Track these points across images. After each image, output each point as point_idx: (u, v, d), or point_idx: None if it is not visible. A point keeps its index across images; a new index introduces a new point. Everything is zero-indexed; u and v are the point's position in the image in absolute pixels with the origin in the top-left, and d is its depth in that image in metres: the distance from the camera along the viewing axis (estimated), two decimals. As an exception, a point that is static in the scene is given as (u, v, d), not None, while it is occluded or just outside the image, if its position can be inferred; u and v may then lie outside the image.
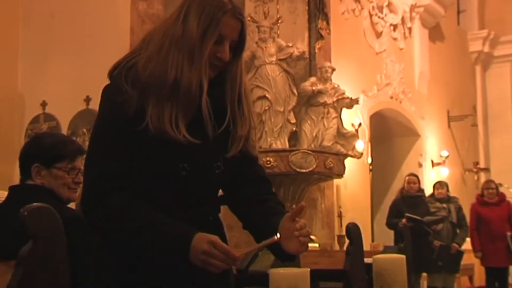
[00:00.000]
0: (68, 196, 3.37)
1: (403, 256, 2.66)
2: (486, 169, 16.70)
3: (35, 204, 2.87)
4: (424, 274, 10.56)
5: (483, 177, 14.95)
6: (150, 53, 2.27)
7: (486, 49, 17.86)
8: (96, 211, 2.25)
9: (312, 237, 7.76)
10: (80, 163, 3.39)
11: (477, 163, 16.73)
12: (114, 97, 2.27)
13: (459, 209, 10.84)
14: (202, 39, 2.24)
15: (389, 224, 10.45)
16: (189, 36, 2.24)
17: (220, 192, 2.55)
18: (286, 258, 2.35)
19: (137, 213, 2.20)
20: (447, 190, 11.07)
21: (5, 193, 3.42)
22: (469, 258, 11.49)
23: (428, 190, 11.39)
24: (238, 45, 2.37)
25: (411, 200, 10.39)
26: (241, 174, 2.50)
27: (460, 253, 10.79)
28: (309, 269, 2.10)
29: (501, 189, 11.81)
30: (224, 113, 2.34)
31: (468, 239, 10.89)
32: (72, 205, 3.57)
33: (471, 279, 13.80)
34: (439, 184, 11.27)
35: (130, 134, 2.24)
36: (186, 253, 2.12)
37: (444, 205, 10.72)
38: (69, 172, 3.33)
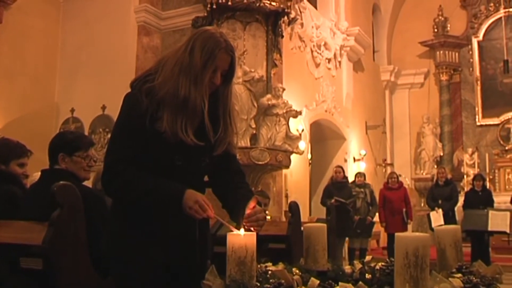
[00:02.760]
0: (84, 176, 3.43)
1: (324, 225, 2.69)
2: (391, 164, 16.81)
3: (61, 182, 2.88)
4: (346, 239, 10.61)
5: (389, 170, 15.02)
6: (165, 76, 2.32)
7: (392, 79, 17.94)
8: (112, 183, 2.31)
9: (267, 211, 7.76)
10: (92, 152, 3.45)
11: (385, 159, 16.84)
12: (131, 103, 2.35)
13: (371, 192, 10.92)
14: (203, 68, 2.31)
15: (322, 203, 10.49)
16: (194, 65, 2.30)
17: (206, 178, 2.59)
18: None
19: (142, 180, 2.27)
20: (364, 179, 11.14)
21: (38, 174, 3.44)
22: (377, 227, 11.58)
23: (351, 178, 11.44)
24: (228, 73, 2.44)
25: (338, 184, 10.42)
26: (223, 167, 2.55)
27: (372, 223, 10.88)
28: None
29: (400, 178, 11.94)
30: (218, 123, 2.42)
31: (377, 214, 10.97)
32: (87, 183, 3.56)
33: (378, 242, 13.94)
34: (359, 174, 11.33)
35: (141, 131, 2.29)
36: (179, 205, 2.21)
37: (362, 189, 10.79)
38: (85, 159, 3.40)
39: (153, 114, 2.30)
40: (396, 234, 2.06)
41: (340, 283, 2.25)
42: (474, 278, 2.31)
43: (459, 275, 2.45)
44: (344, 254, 10.97)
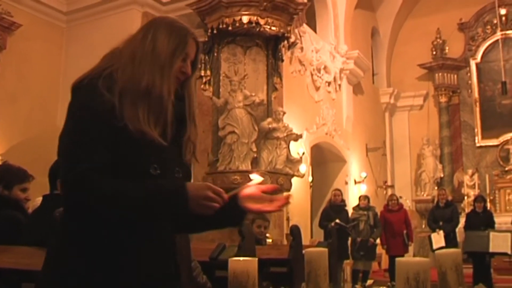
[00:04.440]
0: None
1: (325, 249, 2.67)
2: (392, 186, 16.79)
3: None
4: (348, 261, 10.56)
5: (389, 192, 15.04)
6: (124, 64, 1.94)
7: (392, 101, 18.00)
8: (90, 197, 1.77)
9: (268, 235, 7.74)
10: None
11: (386, 181, 16.82)
12: (91, 95, 1.88)
13: (375, 215, 10.92)
14: (172, 56, 1.98)
15: (320, 226, 10.48)
16: (159, 53, 1.96)
17: None
18: (237, 222, 2.11)
19: (128, 187, 1.78)
20: (368, 202, 11.13)
21: (40, 199, 3.47)
22: (379, 249, 11.53)
23: (351, 201, 11.46)
24: (194, 64, 2.09)
25: (336, 207, 10.44)
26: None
27: (374, 246, 10.85)
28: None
29: (401, 200, 11.93)
30: (184, 122, 2.04)
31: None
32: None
33: (379, 264, 13.86)
34: (363, 197, 11.33)
35: (108, 132, 1.84)
36: (185, 203, 1.78)
37: (365, 212, 10.78)
38: None
39: (116, 109, 1.86)
40: (397, 259, 2.06)
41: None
42: (475, 302, 2.30)
43: (461, 299, 2.44)
44: (346, 276, 10.92)
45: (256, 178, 2.00)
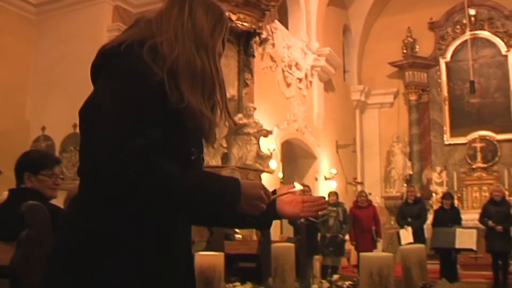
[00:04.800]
0: (51, 195, 3.40)
1: (292, 245, 2.71)
2: (361, 183, 16.90)
3: (30, 202, 2.87)
4: (318, 256, 10.63)
5: (359, 188, 15.13)
6: (169, 40, 1.72)
7: (363, 98, 18.13)
8: (147, 178, 1.51)
9: (237, 230, 7.77)
10: (58, 170, 3.45)
11: (355, 178, 16.94)
12: (142, 67, 1.64)
13: (344, 211, 10.99)
14: (212, 35, 1.79)
15: (290, 221, 10.52)
16: (200, 31, 1.77)
17: None
18: (267, 226, 2.05)
19: (188, 174, 1.58)
20: (337, 198, 11.21)
21: (6, 193, 3.44)
22: (347, 245, 11.62)
23: (320, 197, 11.47)
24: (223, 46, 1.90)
25: (305, 204, 10.47)
26: None
27: (343, 242, 10.95)
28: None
29: (370, 197, 12.05)
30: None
31: (347, 232, 11.05)
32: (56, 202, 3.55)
33: (348, 260, 13.96)
34: (331, 193, 11.42)
35: (159, 108, 1.63)
36: (238, 200, 1.61)
37: (335, 208, 10.85)
38: (50, 177, 3.36)
39: (165, 85, 1.66)
40: (361, 254, 2.10)
41: (306, 302, 2.27)
42: (437, 296, 2.35)
43: (423, 293, 2.49)
44: (316, 272, 10.98)
45: (298, 186, 1.91)
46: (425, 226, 11.67)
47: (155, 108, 1.61)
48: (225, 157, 9.39)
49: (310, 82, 14.58)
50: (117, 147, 1.51)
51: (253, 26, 9.83)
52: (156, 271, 1.63)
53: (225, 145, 9.35)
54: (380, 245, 12.38)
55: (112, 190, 1.54)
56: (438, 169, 16.92)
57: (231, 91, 9.72)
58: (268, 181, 11.00)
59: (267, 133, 10.02)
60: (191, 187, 1.56)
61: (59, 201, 3.53)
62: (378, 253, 1.98)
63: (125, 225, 1.58)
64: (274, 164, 10.92)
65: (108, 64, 1.68)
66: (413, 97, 17.74)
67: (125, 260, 1.57)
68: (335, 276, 2.88)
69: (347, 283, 2.78)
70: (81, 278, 1.55)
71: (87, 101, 1.70)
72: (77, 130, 7.79)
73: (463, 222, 11.28)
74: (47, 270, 1.66)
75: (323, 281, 2.79)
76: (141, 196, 1.53)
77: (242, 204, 1.62)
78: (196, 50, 1.74)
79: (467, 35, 16.93)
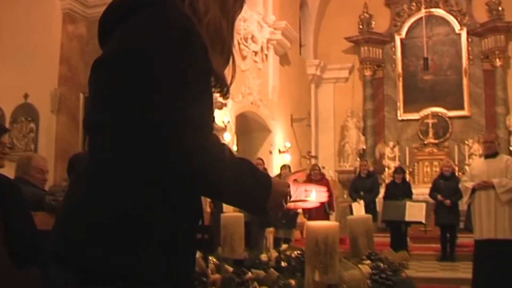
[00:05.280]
0: None
1: (241, 215, 2.72)
2: (315, 157, 17.02)
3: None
4: (271, 229, 10.69)
5: (313, 162, 15.24)
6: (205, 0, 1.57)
7: (318, 73, 18.18)
8: (217, 168, 1.43)
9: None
10: (6, 139, 3.36)
11: (310, 152, 17.04)
12: (194, 31, 1.46)
13: (297, 184, 11.06)
14: (234, 4, 1.67)
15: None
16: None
17: None
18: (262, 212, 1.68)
19: (235, 159, 1.50)
20: (290, 170, 11.25)
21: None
22: (300, 218, 11.72)
23: (275, 171, 11.54)
24: None
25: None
26: None
27: (296, 214, 11.02)
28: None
29: (324, 171, 12.17)
30: None
31: (300, 205, 11.11)
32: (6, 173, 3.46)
33: (302, 232, 14.10)
34: (284, 166, 11.47)
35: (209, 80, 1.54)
36: (268, 197, 1.55)
37: (287, 181, 10.91)
38: None
39: (208, 52, 1.51)
40: (307, 223, 2.11)
41: (252, 270, 2.28)
42: (382, 265, 2.40)
43: (368, 261, 2.54)
44: (269, 244, 11.05)
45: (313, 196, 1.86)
46: (377, 200, 11.88)
47: (208, 82, 1.53)
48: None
49: (266, 55, 14.53)
50: (188, 130, 1.39)
51: (209, -2, 9.71)
52: (185, 254, 1.53)
53: (179, 117, 9.28)
54: (332, 218, 12.52)
55: (174, 172, 1.41)
56: (391, 144, 17.16)
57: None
58: (223, 153, 10.97)
59: (221, 106, 9.99)
60: (237, 176, 1.48)
61: (7, 171, 3.46)
62: (324, 222, 2.01)
63: (161, 205, 1.45)
64: (228, 136, 10.93)
65: (141, 13, 1.46)
66: (368, 73, 17.88)
67: (158, 243, 1.44)
68: (284, 246, 2.90)
69: (295, 252, 2.80)
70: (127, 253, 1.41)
71: (119, 49, 1.47)
72: (28, 100, 7.54)
73: (414, 196, 11.52)
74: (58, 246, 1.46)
75: (271, 250, 2.81)
76: (201, 182, 1.44)
77: (271, 201, 1.56)
78: (221, 15, 1.61)
79: (422, 12, 17.12)
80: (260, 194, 1.54)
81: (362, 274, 2.18)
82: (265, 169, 10.81)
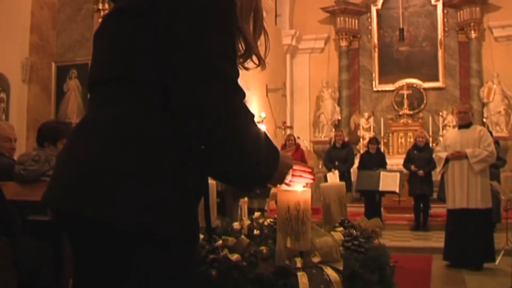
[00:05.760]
0: None
1: (213, 182, 2.67)
2: (291, 127, 17.01)
3: None
4: (245, 199, 10.69)
5: (288, 132, 15.23)
6: None
7: (294, 43, 18.06)
8: (246, 132, 1.41)
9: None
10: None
11: (285, 122, 17.01)
12: None
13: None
14: None
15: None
16: None
17: None
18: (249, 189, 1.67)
19: (257, 128, 1.48)
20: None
21: None
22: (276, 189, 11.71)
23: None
24: None
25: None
26: None
27: (270, 184, 11.03)
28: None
29: (299, 141, 12.18)
30: None
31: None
32: None
33: (276, 202, 14.14)
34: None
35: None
36: (276, 168, 1.53)
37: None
38: None
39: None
40: (278, 189, 2.07)
41: (223, 237, 2.25)
42: (354, 232, 2.39)
43: (341, 228, 2.53)
44: (244, 215, 11.08)
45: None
46: (351, 170, 11.94)
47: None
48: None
49: (242, 25, 14.40)
50: (228, 90, 1.38)
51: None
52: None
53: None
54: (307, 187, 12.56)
55: (201, 136, 1.37)
56: (366, 114, 17.21)
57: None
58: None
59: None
60: (256, 147, 1.46)
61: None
62: (295, 188, 1.98)
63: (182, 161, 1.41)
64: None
65: None
66: (343, 43, 17.82)
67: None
68: (256, 214, 2.88)
69: (268, 220, 2.78)
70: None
71: None
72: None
73: (388, 167, 11.60)
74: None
75: (244, 218, 2.77)
76: (226, 148, 1.39)
77: (281, 169, 1.56)
78: None
79: (398, -18, 17.06)
80: (270, 166, 1.51)
81: (334, 241, 2.16)
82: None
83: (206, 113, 1.35)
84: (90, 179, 1.33)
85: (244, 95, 1.44)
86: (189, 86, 1.35)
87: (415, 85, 17.02)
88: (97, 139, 1.38)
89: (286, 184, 1.80)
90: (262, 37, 1.74)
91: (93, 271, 1.40)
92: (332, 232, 2.38)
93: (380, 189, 10.63)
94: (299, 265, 2.01)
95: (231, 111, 1.37)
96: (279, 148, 1.61)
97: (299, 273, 1.98)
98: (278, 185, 1.81)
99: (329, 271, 2.00)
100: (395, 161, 13.46)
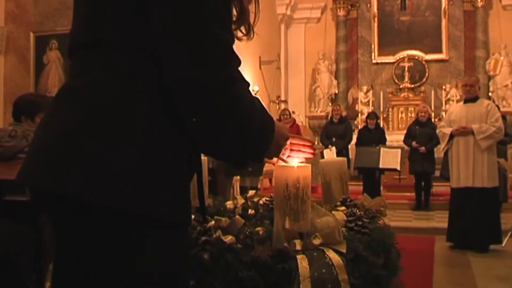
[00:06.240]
0: None
1: (204, 158, 2.61)
2: (285, 101, 16.97)
3: None
4: (238, 177, 10.66)
5: (283, 107, 15.17)
6: None
7: (288, 12, 17.93)
8: (233, 87, 1.34)
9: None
10: None
11: (279, 96, 16.96)
12: None
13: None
14: None
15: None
16: None
17: None
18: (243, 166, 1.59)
19: (252, 97, 1.44)
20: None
21: None
22: (270, 166, 11.68)
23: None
24: None
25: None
26: None
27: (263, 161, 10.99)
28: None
29: (294, 116, 12.10)
30: None
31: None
32: None
33: (270, 180, 14.15)
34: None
35: None
36: (271, 138, 1.48)
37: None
38: None
39: None
40: (276, 165, 2.01)
41: (215, 217, 2.19)
42: (357, 211, 2.33)
43: (343, 208, 2.47)
44: (236, 194, 11.06)
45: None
46: (349, 146, 11.90)
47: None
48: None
49: (233, -8, 14.26)
50: (225, 56, 1.33)
51: None
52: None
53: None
54: (303, 166, 12.53)
55: (196, 103, 1.31)
56: (365, 88, 17.16)
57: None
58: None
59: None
60: (255, 107, 1.43)
61: None
62: (294, 164, 1.91)
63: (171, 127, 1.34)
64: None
65: None
66: (341, 13, 17.69)
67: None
68: (251, 192, 2.82)
69: (264, 199, 2.72)
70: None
71: None
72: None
73: (387, 143, 11.56)
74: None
75: (237, 196, 2.72)
76: (222, 118, 1.33)
77: (273, 143, 1.50)
78: None
79: None
80: (266, 136, 1.47)
81: (336, 221, 2.11)
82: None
83: (200, 81, 1.29)
84: (72, 153, 1.26)
85: (239, 62, 1.39)
86: (181, 52, 1.28)
87: (416, 57, 16.94)
88: (79, 108, 1.30)
89: (283, 160, 1.75)
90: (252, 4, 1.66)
91: (76, 255, 1.33)
92: (333, 212, 2.32)
93: (380, 166, 10.60)
94: (298, 247, 1.97)
95: (227, 79, 1.32)
96: None
97: (298, 256, 1.94)
98: (274, 160, 1.77)
99: (331, 254, 1.94)
100: (395, 137, 13.44)
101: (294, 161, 1.89)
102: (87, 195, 1.23)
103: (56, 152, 1.27)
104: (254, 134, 1.42)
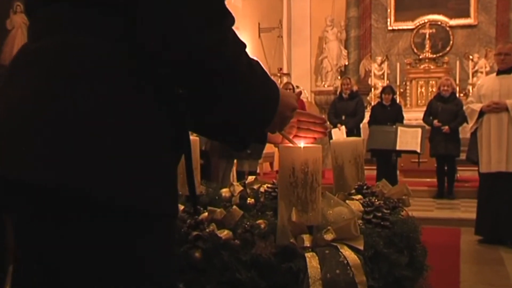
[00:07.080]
0: None
1: (196, 138, 2.55)
2: (288, 74, 17.00)
3: None
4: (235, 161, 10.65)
5: (285, 80, 15.16)
6: None
7: (292, -29, 17.96)
8: (229, 49, 1.30)
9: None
10: None
11: (281, 68, 16.99)
12: None
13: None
14: None
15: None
16: None
17: None
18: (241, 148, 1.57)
19: (250, 60, 1.40)
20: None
21: None
22: (271, 148, 11.69)
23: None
24: None
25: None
26: None
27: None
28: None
29: (298, 90, 12.01)
30: None
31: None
32: None
33: (271, 164, 14.17)
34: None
35: None
36: (276, 108, 1.45)
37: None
38: None
39: None
40: (281, 145, 1.95)
41: (209, 208, 2.13)
42: (376, 200, 2.26)
43: (359, 196, 2.41)
44: (232, 179, 11.04)
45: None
46: (361, 125, 11.86)
47: None
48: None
49: (228, -51, 14.19)
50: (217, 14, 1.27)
51: None
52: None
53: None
54: (308, 148, 12.53)
55: (183, 68, 1.25)
56: (379, 59, 17.15)
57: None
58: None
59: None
60: (257, 72, 1.39)
61: None
62: (302, 145, 1.84)
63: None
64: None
65: None
66: (352, -28, 17.66)
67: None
68: (250, 178, 2.75)
69: (265, 186, 2.65)
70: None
71: None
72: None
73: (405, 121, 11.52)
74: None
75: (235, 183, 2.65)
76: (217, 85, 1.29)
77: (278, 114, 1.47)
78: None
79: None
80: (270, 106, 1.44)
81: (351, 213, 2.04)
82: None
83: (187, 42, 1.21)
84: (32, 129, 1.16)
85: (233, 20, 1.33)
86: (161, 7, 1.20)
87: (439, 23, 16.92)
88: (41, 73, 1.21)
89: (289, 139, 1.70)
90: None
91: (40, 250, 1.24)
92: (348, 201, 2.25)
93: (398, 148, 10.57)
94: (307, 243, 1.91)
95: (218, 40, 1.25)
96: None
97: (307, 254, 1.87)
98: (278, 139, 1.70)
99: (346, 252, 1.89)
100: (413, 114, 13.45)
101: (301, 142, 1.86)
102: (49, 179, 1.13)
103: (14, 129, 1.17)
104: (255, 104, 1.38)
